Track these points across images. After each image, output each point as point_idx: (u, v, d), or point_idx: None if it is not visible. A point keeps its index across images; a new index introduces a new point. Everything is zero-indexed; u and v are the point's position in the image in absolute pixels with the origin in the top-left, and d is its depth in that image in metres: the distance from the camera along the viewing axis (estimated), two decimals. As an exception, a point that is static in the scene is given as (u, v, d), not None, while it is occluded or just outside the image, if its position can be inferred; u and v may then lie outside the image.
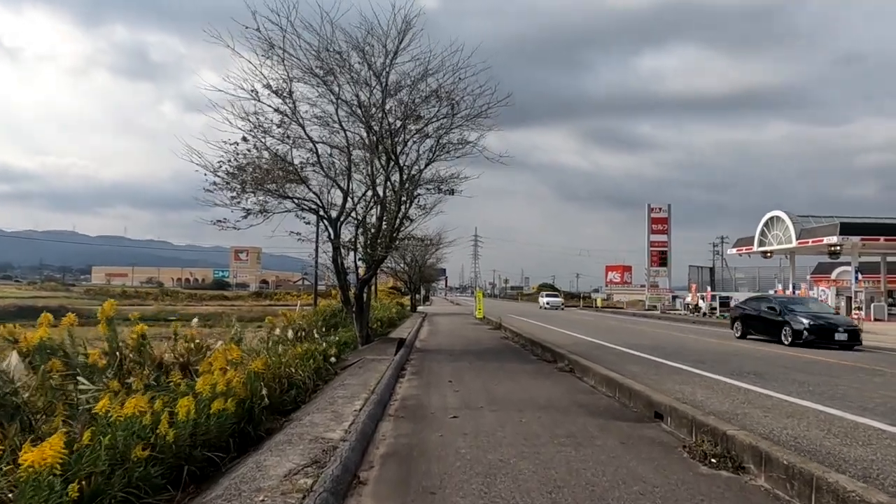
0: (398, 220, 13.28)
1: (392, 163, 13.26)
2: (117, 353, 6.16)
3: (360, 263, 13.26)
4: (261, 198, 12.68)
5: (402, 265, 40.32)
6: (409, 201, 13.67)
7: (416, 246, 37.37)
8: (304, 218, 13.43)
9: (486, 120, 13.15)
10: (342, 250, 13.18)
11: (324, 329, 16.30)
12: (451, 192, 14.11)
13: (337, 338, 14.28)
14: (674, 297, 54.51)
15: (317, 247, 16.31)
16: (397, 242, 13.41)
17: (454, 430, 5.45)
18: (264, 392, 6.10)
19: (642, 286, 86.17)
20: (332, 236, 13.04)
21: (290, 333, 12.91)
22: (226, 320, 20.53)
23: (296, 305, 23.99)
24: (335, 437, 4.70)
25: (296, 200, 12.93)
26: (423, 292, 65.39)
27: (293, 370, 7.88)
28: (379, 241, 13.10)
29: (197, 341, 7.43)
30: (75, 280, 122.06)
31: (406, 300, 41.32)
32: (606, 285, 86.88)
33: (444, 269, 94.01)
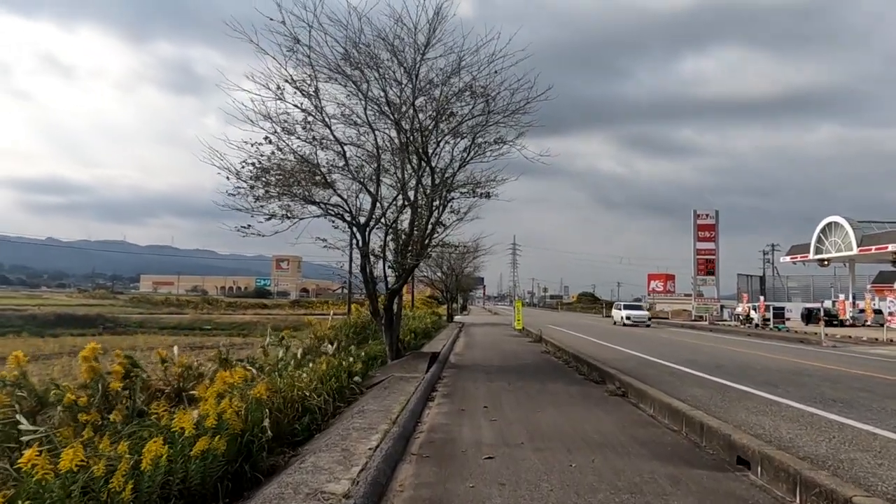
0: (430, 225, 12.37)
1: (424, 164, 12.37)
2: (99, 385, 5.38)
3: (389, 272, 12.37)
4: (286, 202, 12.00)
5: (438, 274, 39.44)
6: (442, 206, 12.75)
7: (452, 253, 36.45)
8: (332, 222, 12.63)
9: (525, 116, 12.16)
10: (371, 258, 12.32)
11: (353, 341, 15.50)
12: (488, 195, 13.12)
13: (365, 352, 13.44)
14: (721, 307, 52.15)
15: (350, 254, 15.58)
16: (429, 250, 12.48)
17: (489, 477, 4.43)
18: (266, 423, 5.20)
19: (686, 295, 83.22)
20: (360, 243, 12.19)
21: (328, 347, 12.12)
22: (260, 330, 19.81)
23: (329, 315, 23.34)
24: (338, 490, 3.75)
25: (322, 205, 12.16)
26: (460, 301, 64.39)
27: (307, 393, 6.99)
28: (410, 248, 12.21)
29: (196, 363, 6.61)
30: (124, 288, 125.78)
31: (442, 310, 40.38)
32: (649, 294, 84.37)
33: (482, 278, 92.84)
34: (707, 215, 55.93)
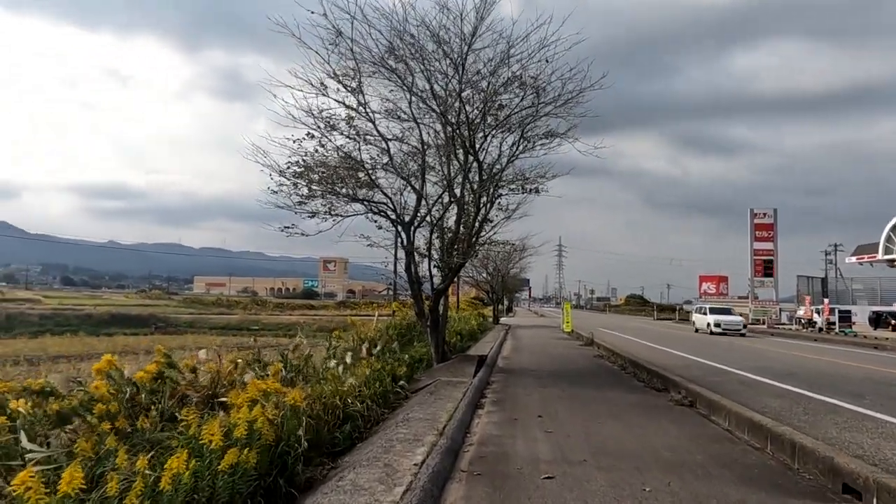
0: (477, 223, 11.85)
1: (471, 159, 11.88)
2: (127, 390, 5.09)
3: (435, 272, 11.90)
4: (330, 199, 11.73)
5: (483, 275, 38.87)
6: (489, 202, 12.21)
7: (499, 253, 35.80)
8: (375, 221, 12.26)
9: (577, 108, 11.51)
10: (416, 257, 11.89)
11: (398, 343, 15.12)
12: (537, 191, 12.50)
13: (410, 354, 13.01)
14: (780, 310, 49.74)
15: (395, 254, 15.24)
16: (476, 248, 11.96)
17: (550, 501, 3.88)
18: (301, 432, 4.79)
19: (741, 297, 79.83)
20: (405, 242, 11.78)
21: (364, 349, 11.77)
22: (305, 330, 19.76)
23: (374, 316, 23.11)
24: (380, 516, 3.28)
25: (366, 203, 11.82)
26: (506, 303, 63.61)
27: (350, 400, 6.57)
28: (456, 246, 11.73)
29: (229, 367, 6.27)
30: (179, 289, 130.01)
31: (488, 311, 39.78)
32: (700, 296, 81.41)
33: (528, 280, 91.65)
34: (765, 214, 53.43)
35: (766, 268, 52.72)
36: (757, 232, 52.40)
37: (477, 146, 11.83)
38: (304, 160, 11.32)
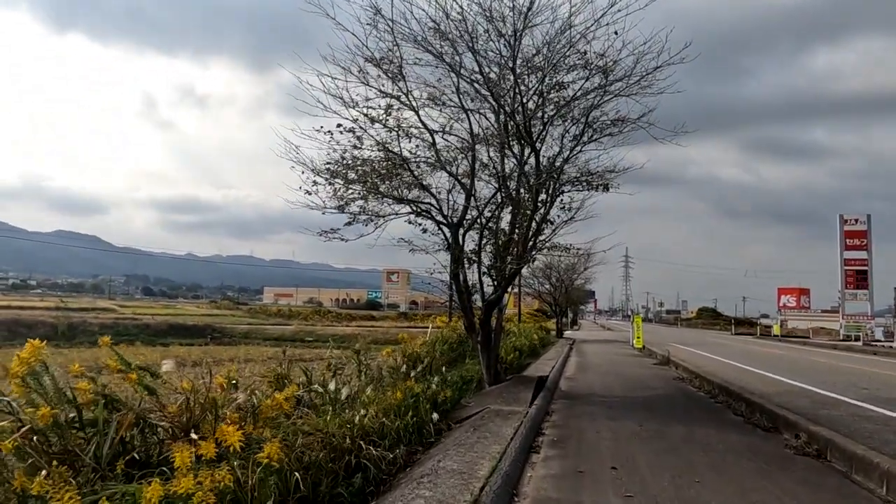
0: (534, 223, 10.28)
1: (527, 151, 10.37)
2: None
3: (486, 281, 10.41)
4: (372, 204, 10.54)
5: (546, 286, 36.94)
6: (549, 200, 10.63)
7: (561, 262, 33.80)
8: (419, 225, 10.90)
9: (656, 85, 9.82)
10: (465, 263, 10.44)
11: (447, 359, 13.66)
12: (606, 187, 10.80)
13: (460, 373, 11.53)
14: (874, 326, 45.10)
15: (451, 258, 13.91)
16: (534, 253, 10.38)
17: None
18: None
19: (824, 311, 73.85)
20: (452, 246, 10.37)
21: (403, 368, 10.42)
22: (360, 342, 18.54)
23: (429, 328, 21.79)
24: None
25: (412, 204, 10.53)
26: (570, 315, 61.08)
27: (363, 442, 5.16)
28: (511, 250, 10.20)
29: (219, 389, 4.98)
30: (250, 299, 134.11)
31: (551, 324, 37.75)
32: (779, 310, 76.03)
33: (593, 292, 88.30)
34: (856, 220, 48.78)
35: (859, 279, 48.04)
36: (847, 240, 47.88)
37: (534, 136, 10.33)
38: (343, 156, 10.18)
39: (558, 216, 10.89)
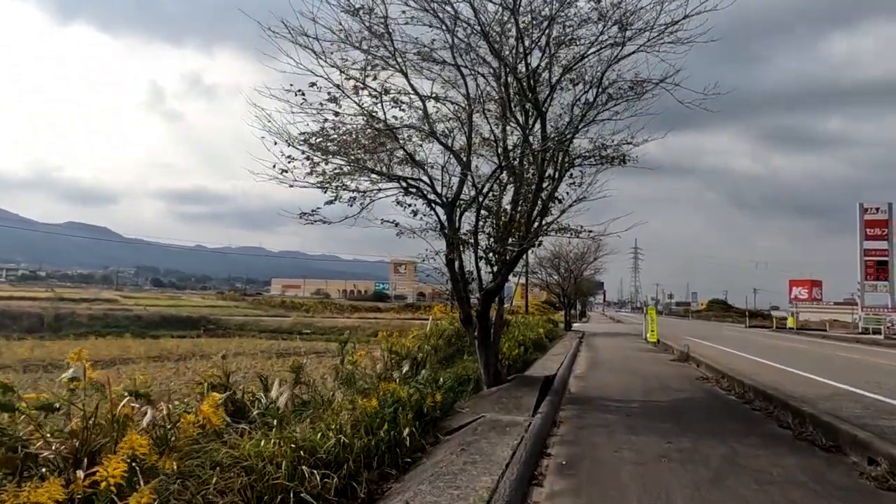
0: (540, 201, 8.91)
1: (532, 116, 9.01)
2: None
3: (484, 267, 9.04)
4: (356, 181, 9.28)
5: (555, 277, 35.55)
6: (557, 175, 9.25)
7: (570, 250, 32.28)
8: (408, 205, 9.55)
9: (677, 41, 8.42)
10: (460, 247, 9.09)
11: (443, 355, 12.35)
12: (623, 159, 9.40)
13: (456, 372, 10.24)
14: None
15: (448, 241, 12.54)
16: (539, 234, 8.99)
17: None
18: None
19: (837, 304, 71.84)
20: (446, 227, 9.03)
21: (380, 367, 9.15)
22: (360, 335, 17.11)
23: (430, 320, 20.46)
24: None
25: (401, 181, 9.21)
26: (579, 307, 59.67)
27: (309, 469, 3.86)
28: (513, 231, 8.84)
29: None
30: (257, 290, 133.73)
31: (559, 316, 36.38)
32: (791, 302, 74.41)
33: (602, 283, 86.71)
34: (877, 209, 46.78)
35: (880, 270, 46.20)
36: (868, 229, 45.97)
37: (540, 100, 8.96)
38: (323, 127, 8.89)
39: (567, 193, 9.51)
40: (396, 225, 9.29)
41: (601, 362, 14.53)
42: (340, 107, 8.68)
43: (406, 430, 5.97)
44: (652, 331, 21.78)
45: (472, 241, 8.75)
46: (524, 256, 9.61)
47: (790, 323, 53.60)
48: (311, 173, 8.96)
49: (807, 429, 6.44)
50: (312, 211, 9.25)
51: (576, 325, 39.39)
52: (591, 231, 8.88)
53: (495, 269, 8.95)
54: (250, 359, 19.19)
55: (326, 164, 8.96)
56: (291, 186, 8.39)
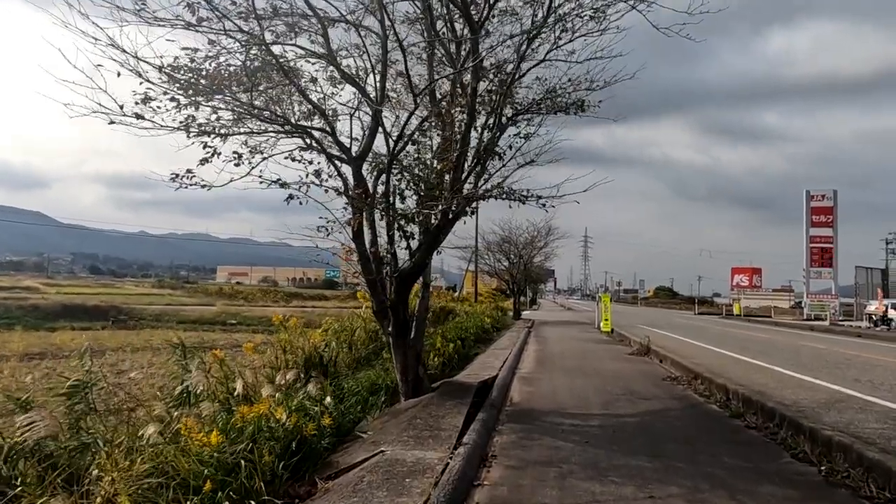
0: (470, 156, 6.79)
1: (465, 47, 6.87)
2: None
3: (401, 242, 6.84)
4: (242, 127, 7.04)
5: (504, 263, 33.74)
6: (496, 123, 7.13)
7: (519, 234, 30.42)
8: (307, 162, 7.26)
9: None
10: (373, 213, 6.86)
11: (358, 355, 10.16)
12: (581, 106, 7.36)
13: (372, 375, 8.12)
14: (839, 305, 43.70)
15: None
16: (476, 197, 6.82)
17: None
18: None
19: (775, 290, 73.53)
20: (351, 188, 6.81)
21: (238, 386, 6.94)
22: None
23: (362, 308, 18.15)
24: None
25: (296, 131, 6.97)
26: (529, 295, 58.37)
27: None
28: (439, 194, 6.68)
29: None
30: (202, 278, 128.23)
31: (509, 304, 34.67)
32: (732, 289, 75.96)
33: (553, 270, 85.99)
34: (823, 196, 47.05)
35: (825, 257, 46.51)
36: (814, 216, 46.17)
37: (476, 24, 6.80)
38: (194, 58, 6.57)
39: (511, 148, 7.37)
40: (282, 185, 6.92)
41: (551, 358, 12.61)
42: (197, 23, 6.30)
43: (257, 481, 3.81)
44: (606, 320, 20.14)
45: (383, 203, 6.53)
46: (454, 231, 7.47)
47: (736, 310, 53.75)
48: (186, 124, 6.69)
49: (836, 462, 4.55)
50: (188, 172, 6.90)
51: (526, 313, 37.81)
52: (540, 197, 6.80)
53: (415, 243, 6.77)
54: (151, 354, 16.51)
55: (197, 108, 6.67)
56: (117, 119, 5.98)
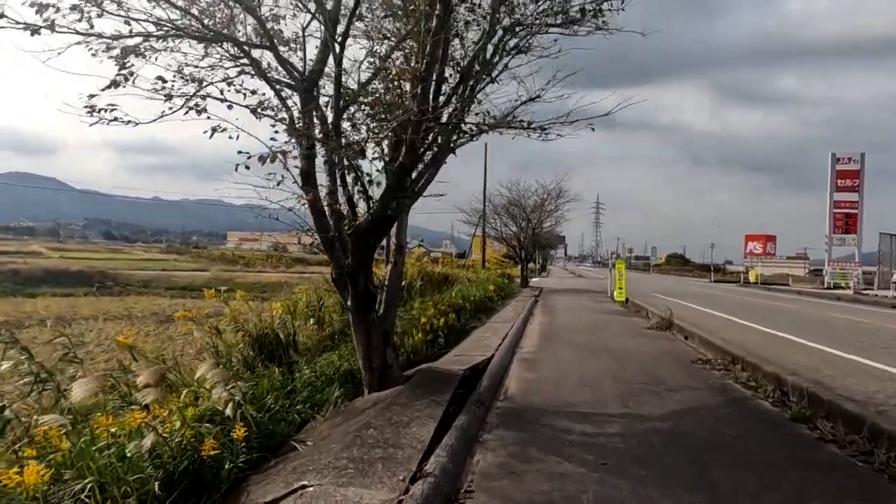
0: (451, 69, 5.10)
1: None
2: None
3: (353, 187, 5.19)
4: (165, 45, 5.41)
5: (512, 228, 32.08)
6: (489, 27, 5.40)
7: (527, 197, 28.47)
8: (250, 91, 5.58)
9: None
10: (333, 158, 5.21)
11: (329, 332, 8.64)
12: (598, 11, 5.61)
13: (340, 358, 6.65)
14: (861, 273, 41.72)
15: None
16: (458, 125, 5.12)
17: None
18: None
19: (789, 258, 71.38)
20: (299, 121, 5.17)
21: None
22: (287, 291, 13.81)
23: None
24: None
25: (226, 43, 5.31)
26: (539, 262, 56.78)
27: None
28: (404, 113, 4.99)
29: None
30: (212, 244, 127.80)
31: (516, 271, 33.11)
32: (746, 257, 74.10)
33: (564, 237, 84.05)
34: (850, 159, 44.48)
35: (849, 223, 44.23)
36: (839, 180, 43.64)
37: None
38: None
39: (508, 66, 5.64)
40: (214, 129, 5.24)
41: (559, 332, 11.07)
42: None
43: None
44: (620, 288, 18.51)
45: (334, 128, 4.86)
46: (447, 181, 5.79)
47: (752, 277, 51.90)
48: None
49: None
50: (110, 106, 5.29)
51: (534, 281, 36.27)
52: (543, 128, 5.12)
53: (378, 191, 5.13)
54: (123, 324, 15.19)
55: (101, 14, 5.06)
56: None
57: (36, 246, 65.86)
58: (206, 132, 5.29)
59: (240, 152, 4.96)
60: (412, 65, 4.69)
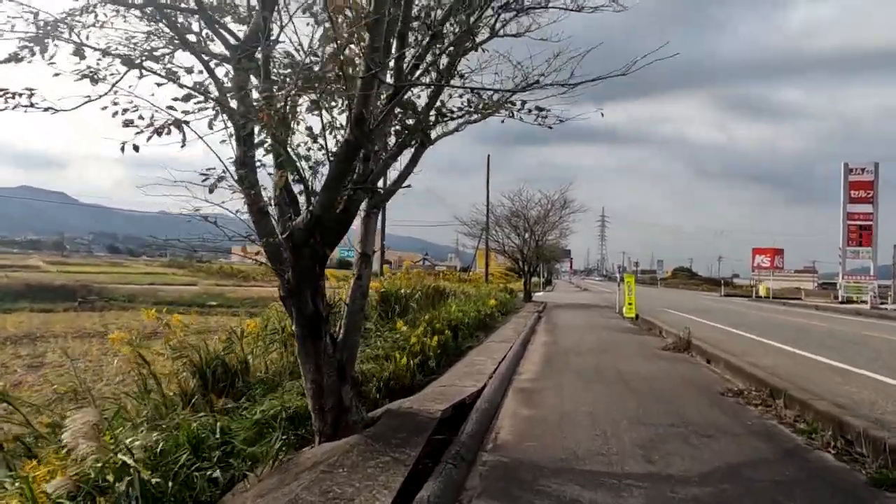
0: (430, 28, 3.97)
1: None
2: None
3: (289, 172, 4.05)
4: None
5: (514, 240, 30.80)
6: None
7: (529, 208, 27.26)
8: (186, 70, 4.45)
9: None
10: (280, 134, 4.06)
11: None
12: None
13: (271, 406, 5.44)
14: (877, 286, 40.25)
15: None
16: (413, 81, 3.96)
17: None
18: None
19: (797, 272, 70.14)
20: (236, 98, 4.05)
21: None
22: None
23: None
24: None
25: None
26: (543, 275, 55.46)
27: None
28: (343, 62, 3.84)
29: None
30: (216, 258, 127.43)
31: (519, 285, 31.82)
32: (753, 270, 72.77)
33: (569, 250, 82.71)
34: (863, 170, 43.21)
35: (863, 235, 42.84)
36: (852, 191, 42.36)
37: None
38: None
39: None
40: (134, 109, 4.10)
41: (564, 354, 9.84)
42: None
43: None
44: (630, 304, 17.27)
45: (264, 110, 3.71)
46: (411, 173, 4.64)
47: (762, 291, 50.52)
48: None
49: None
50: (28, 90, 4.18)
51: (538, 295, 34.95)
52: (541, 109, 4.00)
53: (320, 183, 3.96)
54: (95, 343, 14.05)
55: None
56: None
57: (34, 260, 64.97)
58: (115, 115, 4.17)
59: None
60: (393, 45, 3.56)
